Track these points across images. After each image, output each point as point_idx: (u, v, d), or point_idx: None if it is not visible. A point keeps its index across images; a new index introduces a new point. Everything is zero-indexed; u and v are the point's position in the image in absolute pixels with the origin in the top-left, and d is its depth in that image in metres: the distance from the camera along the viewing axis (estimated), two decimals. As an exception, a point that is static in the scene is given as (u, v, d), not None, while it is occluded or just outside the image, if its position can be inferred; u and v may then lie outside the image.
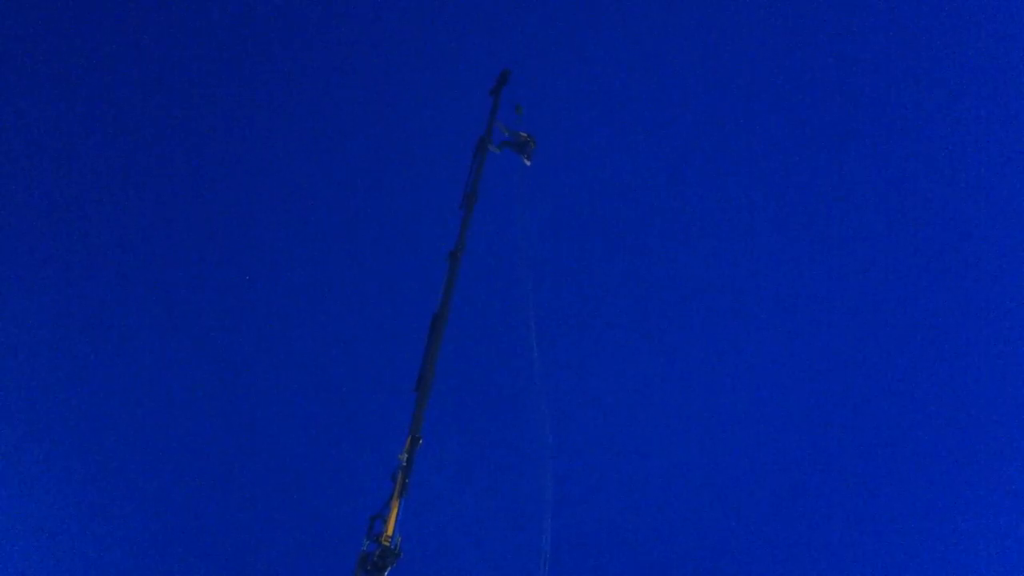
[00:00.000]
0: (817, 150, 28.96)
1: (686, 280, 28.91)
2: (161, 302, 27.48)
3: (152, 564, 25.78)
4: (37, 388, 25.91)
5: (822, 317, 28.92)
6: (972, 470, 27.98)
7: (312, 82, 29.47)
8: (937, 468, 28.02)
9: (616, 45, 28.91)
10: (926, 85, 28.48)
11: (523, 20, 29.53)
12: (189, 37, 28.14)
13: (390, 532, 10.98)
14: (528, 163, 15.68)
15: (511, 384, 25.96)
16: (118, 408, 26.65)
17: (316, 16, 29.10)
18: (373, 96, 29.43)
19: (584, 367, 27.62)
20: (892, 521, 27.81)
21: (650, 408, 28.19)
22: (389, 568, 10.94)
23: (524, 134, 15.95)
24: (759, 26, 28.61)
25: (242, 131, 28.85)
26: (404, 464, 11.44)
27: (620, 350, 28.51)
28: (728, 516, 27.68)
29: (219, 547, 26.37)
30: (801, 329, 28.85)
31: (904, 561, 27.67)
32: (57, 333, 26.58)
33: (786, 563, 27.43)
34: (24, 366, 25.86)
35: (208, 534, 26.35)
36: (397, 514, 11.05)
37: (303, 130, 29.29)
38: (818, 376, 28.71)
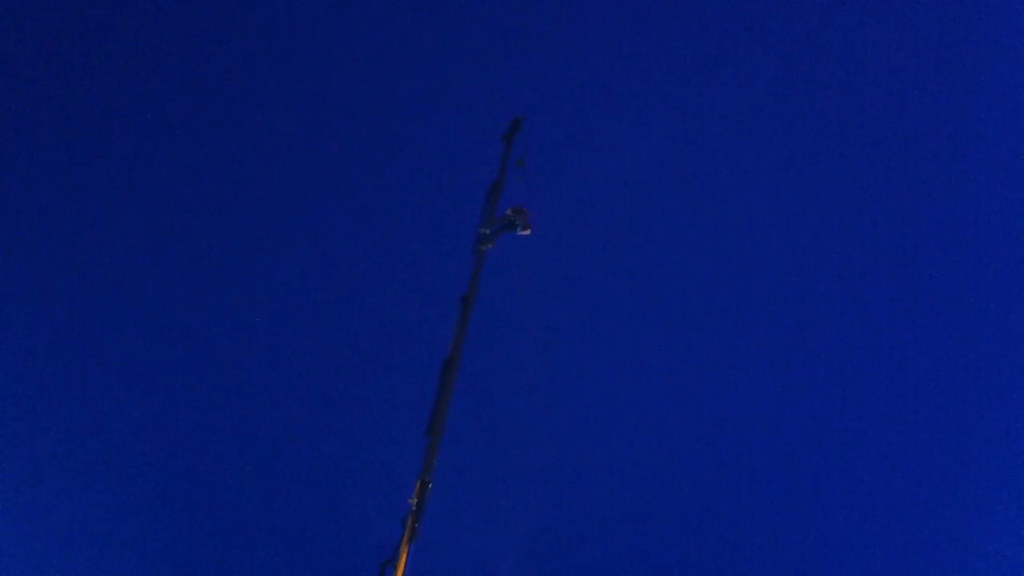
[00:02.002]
0: (818, 150, 29.80)
1: (683, 282, 29.64)
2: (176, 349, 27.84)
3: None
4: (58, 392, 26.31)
5: (822, 312, 29.62)
6: (972, 463, 28.59)
7: (325, 124, 30.07)
8: (937, 465, 28.63)
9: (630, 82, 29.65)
10: (927, 87, 29.35)
11: (537, 64, 30.23)
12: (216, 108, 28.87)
13: (400, 579, 10.99)
14: (528, 232, 15.60)
15: (522, 418, 26.23)
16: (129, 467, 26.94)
17: (330, 55, 29.80)
18: (386, 140, 29.98)
19: (591, 383, 28.13)
20: (890, 516, 28.33)
21: (655, 417, 28.81)
22: (399, 615, 10.90)
23: (509, 211, 15.95)
24: (763, 34, 29.49)
25: (255, 178, 29.42)
26: (414, 508, 11.46)
27: (625, 374, 29.05)
28: (728, 516, 28.38)
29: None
30: (801, 326, 29.61)
31: (903, 557, 28.26)
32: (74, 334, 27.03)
33: (787, 560, 28.10)
34: (28, 367, 26.21)
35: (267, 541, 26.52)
36: (407, 560, 11.06)
37: (310, 171, 29.89)
38: (817, 370, 29.52)
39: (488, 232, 15.21)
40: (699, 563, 28.60)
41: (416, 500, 11.85)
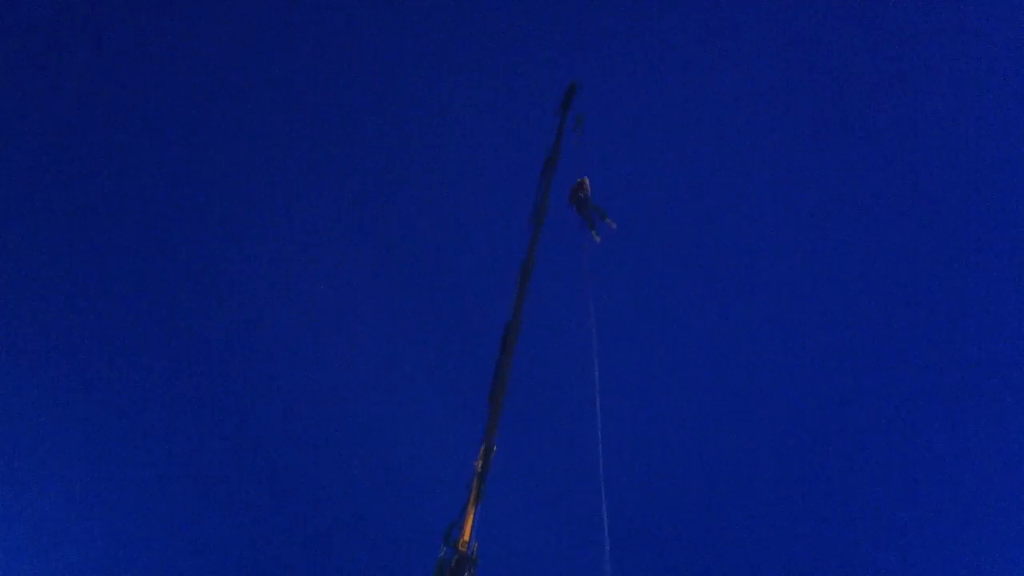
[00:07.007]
0: (822, 151, 29.25)
1: (703, 285, 29.40)
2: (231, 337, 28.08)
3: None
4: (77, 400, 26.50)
5: (831, 312, 29.53)
6: (972, 462, 28.26)
7: (385, 98, 30.00)
8: (938, 462, 28.38)
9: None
10: (930, 89, 28.49)
11: (589, 40, 29.91)
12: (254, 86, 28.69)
13: (467, 538, 11.15)
14: (597, 239, 15.73)
15: (571, 387, 26.08)
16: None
17: (383, 32, 29.66)
18: (448, 114, 29.94)
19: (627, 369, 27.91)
20: (887, 515, 27.91)
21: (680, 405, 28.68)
22: (466, 574, 11.08)
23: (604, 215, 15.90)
24: (770, 30, 28.90)
25: (304, 146, 29.41)
26: (479, 471, 11.61)
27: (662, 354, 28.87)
28: (736, 512, 28.61)
29: (299, 553, 26.90)
30: (812, 328, 29.60)
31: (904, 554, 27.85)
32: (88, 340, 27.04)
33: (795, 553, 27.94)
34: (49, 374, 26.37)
35: (286, 539, 26.92)
36: (473, 520, 11.22)
37: (377, 146, 29.87)
38: (828, 368, 29.44)
39: (590, 222, 15.36)
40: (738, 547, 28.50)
41: (481, 463, 12.05)
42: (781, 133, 29.76)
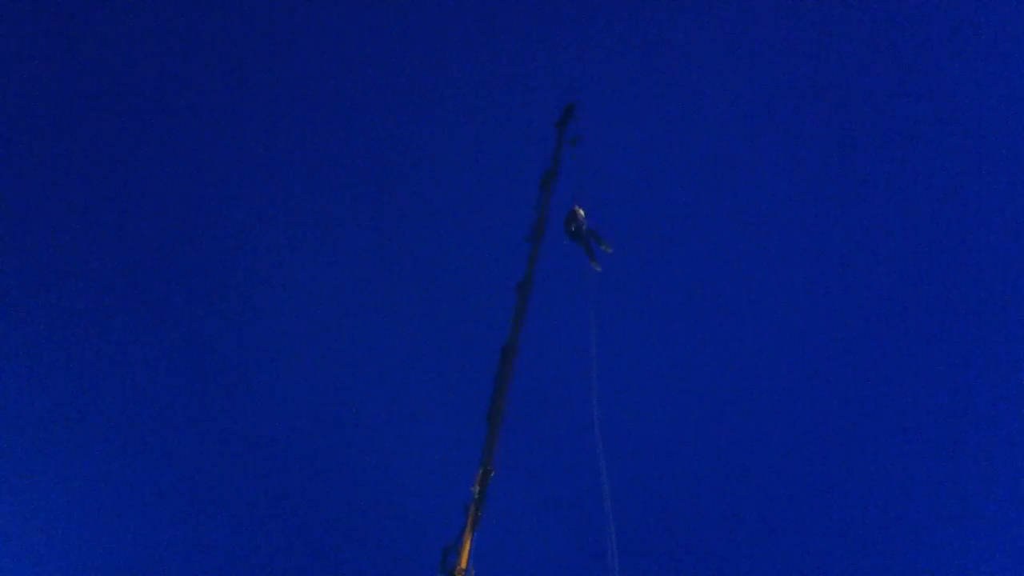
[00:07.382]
0: (823, 153, 29.24)
1: (705, 299, 29.40)
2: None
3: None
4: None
5: (830, 315, 29.46)
6: (973, 462, 28.01)
7: (381, 114, 29.94)
8: (940, 462, 28.22)
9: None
10: (931, 91, 28.58)
11: (587, 55, 29.92)
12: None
13: (464, 565, 10.89)
14: (598, 269, 15.56)
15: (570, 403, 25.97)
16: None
17: (385, 42, 29.62)
18: (443, 131, 29.88)
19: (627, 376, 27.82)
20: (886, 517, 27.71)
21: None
22: (464, 603, 10.79)
23: (577, 228, 15.74)
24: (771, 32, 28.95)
25: (307, 161, 29.30)
26: (476, 496, 11.34)
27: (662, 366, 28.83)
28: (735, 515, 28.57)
29: (296, 567, 26.61)
30: (812, 330, 29.46)
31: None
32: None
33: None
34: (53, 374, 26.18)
35: (285, 551, 26.69)
36: (470, 547, 10.97)
37: (376, 161, 29.77)
38: (829, 380, 29.37)
39: (586, 245, 15.19)
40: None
41: (478, 487, 11.76)
42: (783, 152, 29.76)
